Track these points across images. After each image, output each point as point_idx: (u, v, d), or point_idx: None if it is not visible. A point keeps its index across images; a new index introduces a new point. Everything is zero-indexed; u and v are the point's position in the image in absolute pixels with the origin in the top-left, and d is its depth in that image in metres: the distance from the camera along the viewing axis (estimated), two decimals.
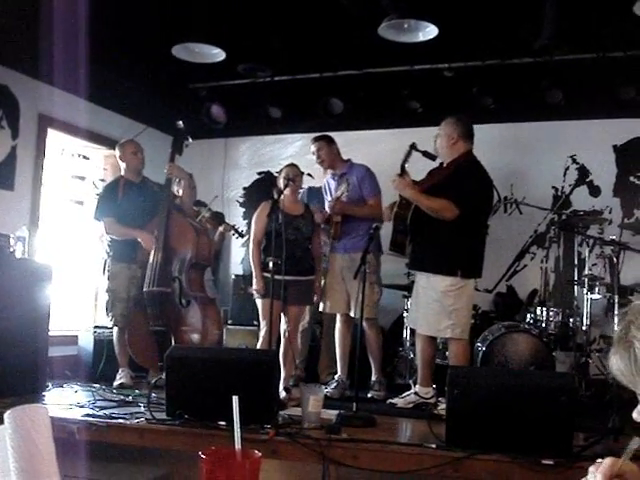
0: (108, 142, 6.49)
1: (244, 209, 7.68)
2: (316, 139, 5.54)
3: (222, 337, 5.96)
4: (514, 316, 6.07)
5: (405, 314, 6.04)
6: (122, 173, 5.56)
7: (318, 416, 3.69)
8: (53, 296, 4.92)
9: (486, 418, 3.26)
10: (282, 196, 5.08)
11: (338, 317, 5.42)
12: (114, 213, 5.36)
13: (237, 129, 7.10)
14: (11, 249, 4.73)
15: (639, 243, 5.77)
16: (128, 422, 3.72)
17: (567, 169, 6.57)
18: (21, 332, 4.52)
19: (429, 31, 4.49)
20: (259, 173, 7.72)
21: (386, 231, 4.97)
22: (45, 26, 4.42)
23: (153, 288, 5.22)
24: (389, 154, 5.65)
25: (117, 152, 5.54)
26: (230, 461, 1.17)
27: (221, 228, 6.56)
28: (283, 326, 5.17)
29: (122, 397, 4.60)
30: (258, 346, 5.15)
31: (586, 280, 5.46)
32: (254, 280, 5.11)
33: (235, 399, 1.21)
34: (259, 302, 5.13)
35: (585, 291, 5.46)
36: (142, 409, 3.99)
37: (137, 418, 3.78)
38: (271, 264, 4.67)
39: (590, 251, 5.60)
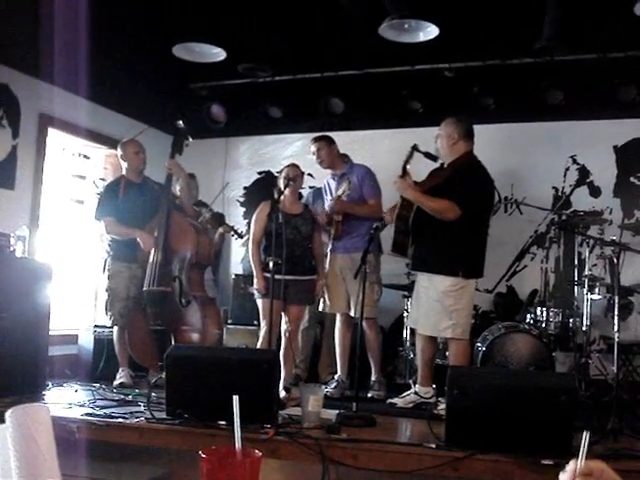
0: (109, 141, 6.49)
1: (244, 209, 7.68)
2: (316, 139, 5.54)
3: (222, 337, 5.96)
4: (514, 316, 6.06)
5: (405, 314, 6.04)
6: (123, 173, 5.56)
7: (318, 416, 3.69)
8: (53, 295, 4.92)
9: (486, 418, 3.26)
10: (282, 196, 5.09)
11: (338, 317, 5.43)
12: (114, 213, 5.37)
13: (237, 129, 7.10)
14: (11, 248, 4.73)
15: (639, 244, 5.77)
16: (128, 421, 3.73)
17: (567, 169, 6.56)
18: (21, 331, 4.53)
19: (430, 31, 4.49)
20: (259, 173, 7.72)
21: (387, 232, 4.97)
22: (46, 25, 4.42)
23: (153, 287, 5.23)
24: (389, 154, 5.66)
25: (119, 151, 5.54)
26: (230, 460, 1.17)
27: (221, 229, 6.57)
28: (283, 326, 5.17)
29: (122, 396, 4.61)
30: (258, 346, 5.15)
31: (586, 280, 5.46)
32: (255, 280, 5.11)
33: (235, 398, 1.22)
34: (259, 302, 5.13)
35: (585, 291, 5.46)
36: (142, 408, 4.00)
37: (137, 417, 3.79)
38: (271, 264, 4.67)
39: (590, 251, 5.59)
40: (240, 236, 6.62)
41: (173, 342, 5.07)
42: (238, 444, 1.17)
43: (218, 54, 5.03)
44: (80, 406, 4.15)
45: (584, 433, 1.00)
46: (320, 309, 5.56)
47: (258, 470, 1.15)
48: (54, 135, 6.11)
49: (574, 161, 6.55)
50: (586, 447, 1.00)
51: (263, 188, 7.34)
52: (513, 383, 3.40)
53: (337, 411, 3.94)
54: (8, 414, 1.07)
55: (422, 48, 4.74)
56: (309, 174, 5.57)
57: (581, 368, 5.36)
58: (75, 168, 6.66)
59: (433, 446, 3.31)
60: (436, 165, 4.87)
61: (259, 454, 1.17)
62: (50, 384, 4.92)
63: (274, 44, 5.15)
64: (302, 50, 5.26)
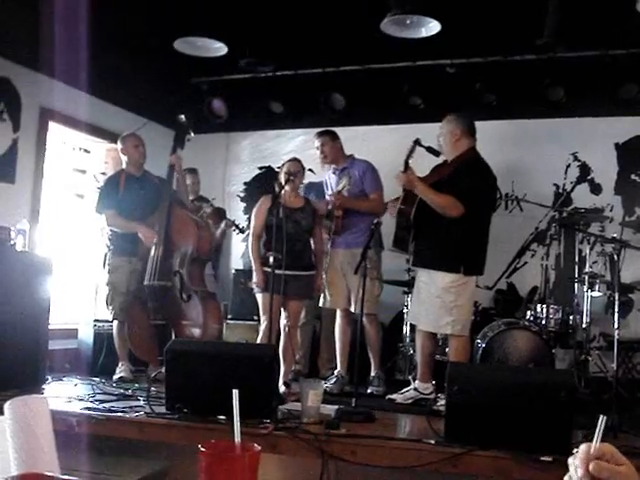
0: (109, 135, 6.48)
1: (245, 204, 7.68)
2: (320, 134, 5.53)
3: (222, 332, 5.97)
4: (514, 313, 6.07)
5: (405, 310, 6.04)
6: (123, 166, 5.56)
7: (317, 411, 3.69)
8: (53, 289, 4.92)
9: (485, 415, 3.26)
10: (283, 191, 5.08)
11: (338, 312, 5.42)
12: (115, 206, 5.37)
13: (238, 124, 7.10)
14: (12, 242, 4.73)
15: None
16: (127, 415, 3.73)
17: (568, 166, 6.56)
18: (21, 325, 4.53)
19: (432, 27, 4.48)
20: (260, 168, 7.71)
21: (388, 227, 4.96)
22: (46, 19, 4.42)
23: (154, 282, 5.23)
24: (391, 150, 5.65)
25: (119, 145, 5.54)
26: (230, 454, 1.16)
27: (222, 224, 6.56)
28: (283, 321, 5.17)
29: (122, 390, 4.61)
30: (258, 341, 5.16)
31: (586, 278, 5.47)
32: (254, 274, 5.11)
33: (235, 393, 1.21)
34: (259, 297, 5.13)
35: (585, 289, 5.47)
36: (142, 403, 4.01)
37: (136, 412, 3.78)
38: (271, 259, 4.67)
39: (591, 249, 5.60)
40: (241, 231, 6.63)
41: (173, 337, 5.07)
42: (237, 438, 1.17)
43: (220, 49, 5.03)
44: (80, 400, 4.15)
45: (600, 417, 1.00)
46: (320, 304, 5.55)
47: (257, 464, 1.14)
48: (55, 129, 6.10)
49: (575, 158, 6.54)
50: (601, 431, 1.00)
51: (264, 183, 7.34)
52: (513, 380, 3.39)
53: (336, 406, 3.94)
54: (7, 405, 1.07)
55: (424, 44, 4.74)
56: (310, 169, 5.56)
57: (581, 365, 5.36)
58: (76, 162, 6.66)
59: (432, 442, 3.31)
60: (438, 160, 4.87)
61: (258, 448, 1.17)
62: (50, 378, 4.92)
63: (276, 39, 5.15)
64: (304, 45, 5.25)
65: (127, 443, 3.71)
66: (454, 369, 3.51)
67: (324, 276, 5.30)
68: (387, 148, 6.19)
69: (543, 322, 5.52)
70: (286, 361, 5.08)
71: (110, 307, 5.39)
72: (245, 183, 7.78)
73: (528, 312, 5.74)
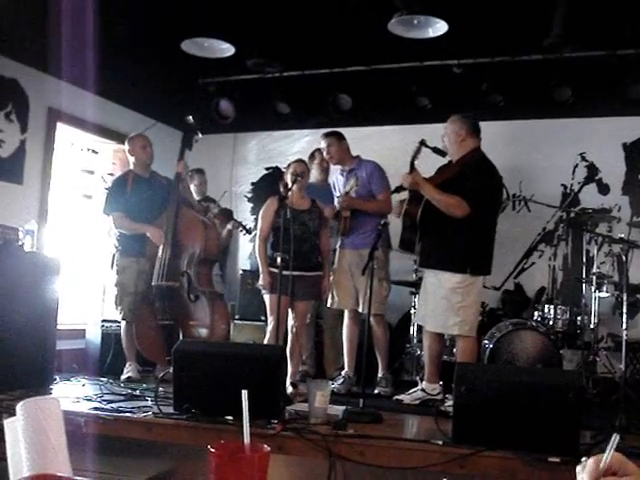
0: (117, 136, 6.50)
1: (252, 204, 7.69)
2: (326, 135, 5.53)
3: (229, 332, 5.97)
4: (522, 313, 6.06)
5: (412, 311, 6.04)
6: (131, 167, 5.58)
7: (325, 412, 3.69)
8: (61, 290, 4.93)
9: (493, 415, 3.26)
10: (289, 192, 5.08)
11: (346, 313, 5.42)
12: (123, 207, 5.38)
13: (246, 124, 7.11)
14: (20, 242, 4.74)
15: None
16: (135, 416, 3.73)
17: (576, 167, 6.54)
18: (29, 325, 4.54)
19: (439, 27, 4.48)
20: (267, 168, 7.72)
21: (396, 228, 4.96)
22: (54, 20, 4.43)
23: (162, 282, 5.24)
24: (398, 150, 5.65)
25: (126, 146, 5.56)
26: (239, 455, 1.17)
27: (229, 225, 6.57)
28: (290, 322, 5.17)
29: (129, 391, 4.62)
30: (265, 341, 5.16)
31: (594, 278, 5.45)
32: (261, 275, 5.12)
33: (244, 393, 1.22)
34: (267, 297, 5.14)
35: (593, 289, 5.45)
36: (149, 403, 4.01)
37: (144, 412, 3.79)
38: (279, 260, 4.67)
39: (598, 249, 5.58)
40: (248, 232, 6.63)
41: (181, 337, 5.08)
42: (247, 439, 1.17)
43: (227, 49, 5.03)
44: (87, 400, 4.15)
45: (613, 436, 0.99)
46: (328, 305, 5.55)
47: (267, 465, 1.15)
48: (63, 130, 6.13)
49: (583, 158, 6.53)
50: (613, 449, 0.99)
51: (270, 184, 7.34)
52: (520, 380, 3.38)
53: (344, 407, 3.93)
54: (19, 406, 1.07)
55: (431, 44, 4.73)
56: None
57: (589, 366, 5.35)
58: (83, 163, 6.68)
59: (440, 443, 3.31)
60: (444, 161, 4.86)
61: (268, 449, 1.17)
62: (58, 378, 4.94)
63: (283, 40, 5.15)
64: (311, 46, 5.25)
65: (135, 443, 3.72)
66: (461, 370, 3.50)
67: (331, 277, 5.30)
68: (394, 148, 6.19)
69: (551, 323, 5.51)
70: (293, 362, 5.09)
71: (119, 308, 5.41)
72: (252, 183, 7.79)
73: (536, 313, 5.73)
